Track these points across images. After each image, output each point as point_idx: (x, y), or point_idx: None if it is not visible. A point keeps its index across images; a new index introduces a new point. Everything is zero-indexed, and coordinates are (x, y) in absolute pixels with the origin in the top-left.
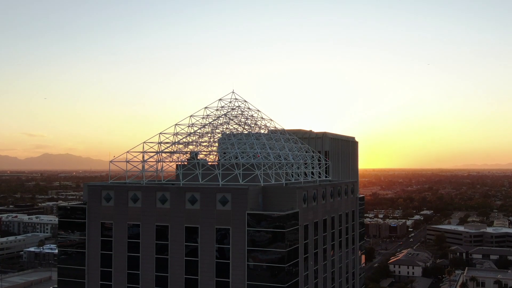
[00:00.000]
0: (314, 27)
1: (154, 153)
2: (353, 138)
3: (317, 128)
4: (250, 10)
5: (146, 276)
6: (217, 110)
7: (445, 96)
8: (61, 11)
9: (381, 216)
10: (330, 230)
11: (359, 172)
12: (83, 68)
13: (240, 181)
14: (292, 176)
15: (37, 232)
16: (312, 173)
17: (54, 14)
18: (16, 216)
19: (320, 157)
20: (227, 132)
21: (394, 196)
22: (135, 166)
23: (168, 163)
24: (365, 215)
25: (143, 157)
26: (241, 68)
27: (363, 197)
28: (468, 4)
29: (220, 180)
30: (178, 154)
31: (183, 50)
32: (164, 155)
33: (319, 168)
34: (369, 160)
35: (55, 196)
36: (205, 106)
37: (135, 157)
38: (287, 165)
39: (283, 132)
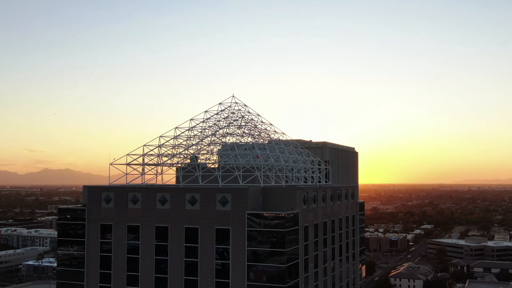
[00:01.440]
0: (316, 37)
1: (155, 156)
2: (353, 148)
3: (316, 138)
4: (251, 21)
5: (146, 278)
6: (217, 114)
7: (446, 111)
8: (58, 27)
9: (381, 230)
10: (331, 233)
11: (359, 187)
12: (82, 83)
13: (240, 182)
14: (292, 180)
15: (36, 245)
16: (312, 177)
17: (52, 30)
18: (15, 230)
19: (320, 162)
20: (228, 140)
21: (395, 210)
22: (135, 169)
23: (168, 165)
24: (365, 229)
25: (143, 159)
26: (240, 75)
27: (363, 202)
28: (457, 21)
29: (220, 182)
30: (178, 157)
31: (184, 54)
32: (164, 158)
33: (319, 173)
34: (369, 175)
35: (54, 211)
36: (205, 110)
37: (135, 159)
38: (287, 168)
39: (282, 135)
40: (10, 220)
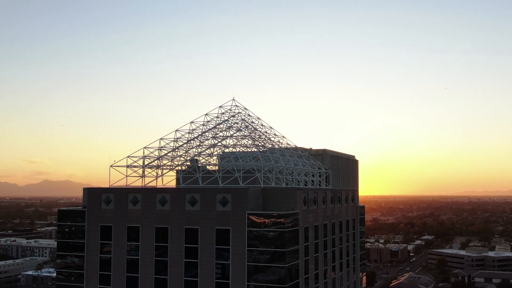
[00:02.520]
0: (317, 46)
1: (155, 158)
2: (353, 156)
3: (316, 146)
4: (252, 30)
5: (146, 279)
6: (217, 117)
7: (446, 122)
8: (56, 39)
9: (382, 241)
10: (331, 235)
11: (359, 198)
12: (81, 93)
13: (240, 183)
14: (293, 183)
15: (36, 256)
16: (313, 181)
17: (51, 44)
18: (14, 240)
19: (320, 166)
20: (228, 143)
21: (395, 221)
22: (135, 171)
23: (168, 166)
24: (366, 240)
25: (143, 162)
26: (241, 80)
27: (363, 206)
28: (452, 35)
29: (220, 183)
30: (178, 160)
31: (184, 57)
32: (164, 160)
33: (319, 176)
34: (369, 186)
35: (54, 222)
36: (205, 113)
37: (135, 162)
38: (287, 170)
39: (282, 139)
40: (9, 231)
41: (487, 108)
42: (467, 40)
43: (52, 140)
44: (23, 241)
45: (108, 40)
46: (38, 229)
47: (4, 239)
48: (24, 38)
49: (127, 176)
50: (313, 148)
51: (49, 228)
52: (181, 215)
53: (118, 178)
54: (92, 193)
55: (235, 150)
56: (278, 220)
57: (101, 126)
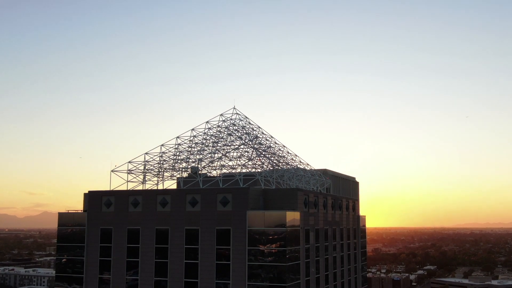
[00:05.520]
0: (317, 62)
1: (156, 163)
2: (354, 178)
3: (316, 166)
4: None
5: (145, 281)
6: (218, 126)
7: (448, 153)
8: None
9: (383, 271)
10: (332, 241)
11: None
12: (80, 121)
13: (241, 185)
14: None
15: (34, 285)
16: (313, 189)
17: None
18: (13, 269)
19: (320, 174)
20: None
21: (397, 252)
22: (136, 177)
23: (169, 170)
24: (367, 269)
25: (144, 167)
26: (242, 86)
27: (364, 216)
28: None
29: (221, 185)
30: (179, 166)
31: (186, 62)
32: (165, 165)
33: (320, 186)
34: (369, 218)
35: (53, 252)
36: (206, 121)
37: (136, 167)
38: (287, 175)
39: (283, 148)
40: (7, 261)
41: (490, 141)
42: (470, 68)
43: (51, 172)
44: (21, 270)
45: (109, 47)
46: (37, 259)
47: (2, 268)
48: (23, 75)
49: (127, 181)
50: (314, 167)
51: (48, 258)
52: (182, 216)
53: (118, 184)
54: (93, 196)
55: (236, 159)
56: (279, 219)
57: (103, 156)
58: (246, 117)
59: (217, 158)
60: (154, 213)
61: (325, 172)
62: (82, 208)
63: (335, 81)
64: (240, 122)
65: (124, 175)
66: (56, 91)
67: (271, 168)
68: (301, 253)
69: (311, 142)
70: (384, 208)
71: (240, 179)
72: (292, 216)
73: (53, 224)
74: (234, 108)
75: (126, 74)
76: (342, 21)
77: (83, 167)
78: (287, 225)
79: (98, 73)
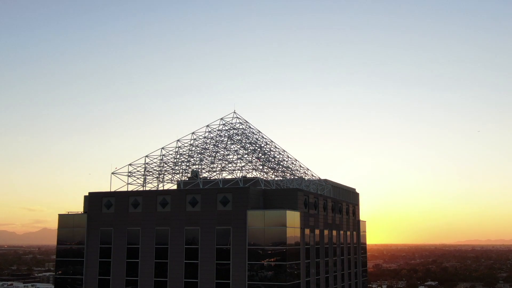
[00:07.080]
0: (319, 72)
1: (156, 165)
2: (354, 189)
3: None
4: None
5: (145, 282)
6: (218, 129)
7: (448, 170)
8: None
9: (384, 286)
10: (332, 244)
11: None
12: (78, 136)
13: (241, 185)
14: None
15: None
16: None
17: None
18: (11, 284)
19: (320, 179)
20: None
21: (398, 268)
22: (136, 179)
23: (170, 173)
24: (368, 285)
25: (144, 169)
26: (242, 91)
27: (364, 222)
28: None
29: (221, 186)
30: (179, 168)
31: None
32: (165, 168)
33: (319, 191)
34: (370, 235)
35: (52, 268)
36: (206, 124)
37: (136, 170)
38: (288, 176)
39: (283, 152)
40: (6, 276)
41: (491, 156)
42: (472, 82)
43: (51, 188)
44: (20, 285)
45: (110, 50)
46: (36, 275)
47: (1, 282)
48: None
49: (128, 183)
50: (314, 173)
51: (47, 274)
52: (182, 216)
53: (118, 187)
54: (93, 198)
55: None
56: (279, 218)
57: (104, 171)
58: (246, 121)
59: (217, 161)
60: (154, 214)
61: (325, 182)
62: (82, 210)
63: (338, 92)
64: (241, 126)
65: (125, 178)
66: (56, 99)
67: (272, 172)
68: (301, 254)
69: (312, 153)
70: (384, 225)
71: (240, 180)
72: (292, 216)
73: (53, 241)
74: (234, 112)
75: (127, 77)
76: (344, 28)
77: (83, 174)
78: (287, 225)
79: (98, 77)
